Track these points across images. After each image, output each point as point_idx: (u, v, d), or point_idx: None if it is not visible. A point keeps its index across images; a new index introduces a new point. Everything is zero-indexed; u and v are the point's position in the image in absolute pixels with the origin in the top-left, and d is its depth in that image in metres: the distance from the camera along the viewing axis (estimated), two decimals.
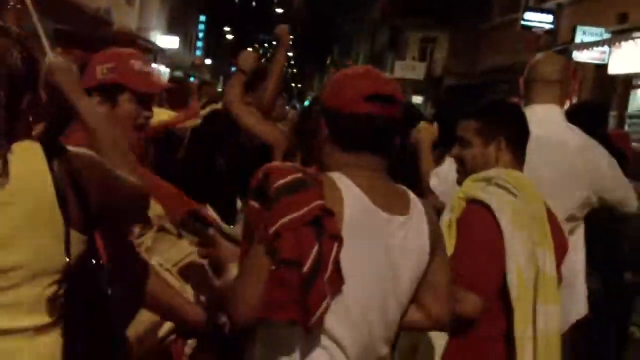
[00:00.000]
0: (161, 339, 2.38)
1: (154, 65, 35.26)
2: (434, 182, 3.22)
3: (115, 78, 2.42)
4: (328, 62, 67.35)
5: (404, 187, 1.96)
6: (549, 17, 17.63)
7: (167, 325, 2.36)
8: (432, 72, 31.48)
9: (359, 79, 1.89)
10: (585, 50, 14.62)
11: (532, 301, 2.23)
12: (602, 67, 14.69)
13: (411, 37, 34.23)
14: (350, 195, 1.81)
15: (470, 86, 23.23)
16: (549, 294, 2.26)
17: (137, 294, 2.09)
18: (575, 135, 3.12)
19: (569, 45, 15.26)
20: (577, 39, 14.99)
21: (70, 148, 1.82)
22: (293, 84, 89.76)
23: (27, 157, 1.74)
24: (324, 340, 1.79)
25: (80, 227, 1.79)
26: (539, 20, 17.73)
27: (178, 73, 38.77)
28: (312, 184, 1.75)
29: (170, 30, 36.42)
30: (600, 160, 3.09)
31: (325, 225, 1.71)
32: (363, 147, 1.87)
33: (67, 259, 1.77)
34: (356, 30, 49.67)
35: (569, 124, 3.17)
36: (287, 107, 7.05)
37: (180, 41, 36.87)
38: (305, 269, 1.69)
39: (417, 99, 31.87)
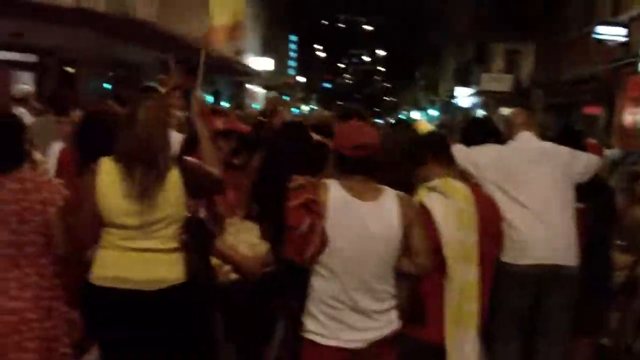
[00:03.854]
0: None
1: (249, 86, 37.13)
2: None
3: None
4: (417, 75, 68.03)
5: (381, 186, 3.35)
6: (623, 31, 17.92)
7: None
8: (519, 84, 31.84)
9: (350, 134, 3.32)
10: None
11: (456, 261, 3.56)
12: None
13: (496, 49, 34.72)
14: (334, 190, 3.24)
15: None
16: (469, 257, 3.58)
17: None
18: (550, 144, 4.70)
19: (637, 58, 15.75)
20: None
21: (183, 156, 3.67)
22: (385, 98, 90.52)
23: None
24: (324, 271, 3.27)
25: (192, 196, 3.55)
26: (611, 33, 17.96)
27: (273, 93, 40.52)
28: (307, 187, 3.19)
29: (264, 52, 37.99)
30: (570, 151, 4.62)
31: (312, 208, 3.14)
32: (350, 171, 3.31)
33: (187, 214, 3.56)
34: (443, 44, 50.20)
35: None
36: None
37: (274, 62, 38.44)
38: (300, 231, 3.16)
39: (504, 111, 32.20)
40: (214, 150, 3.88)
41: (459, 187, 3.70)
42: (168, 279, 3.47)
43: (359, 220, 3.25)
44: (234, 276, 4.24)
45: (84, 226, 3.49)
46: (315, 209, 3.22)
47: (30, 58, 16.94)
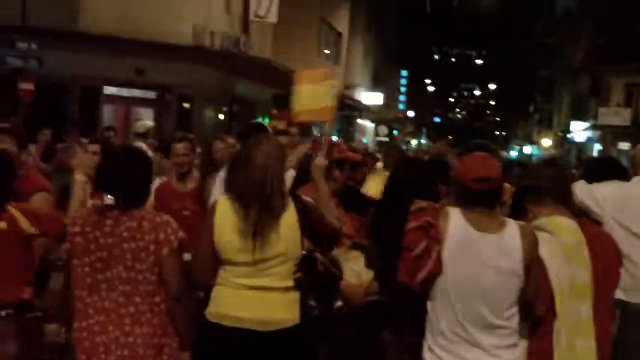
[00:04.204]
0: None
1: (359, 120, 37.40)
2: None
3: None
4: (531, 109, 66.62)
5: (505, 218, 3.27)
6: None
7: None
8: (639, 118, 30.68)
9: (474, 166, 3.23)
10: None
11: (566, 297, 3.38)
12: None
13: (614, 82, 33.62)
14: (455, 218, 3.17)
15: None
16: (581, 293, 3.41)
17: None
18: None
19: None
20: None
21: (302, 196, 3.61)
22: (497, 132, 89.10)
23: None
24: (440, 301, 3.18)
25: (307, 236, 3.52)
26: None
27: (382, 127, 40.68)
28: (428, 210, 3.16)
29: (374, 86, 38.19)
30: None
31: (430, 232, 3.09)
32: (472, 204, 3.21)
33: (302, 252, 3.50)
34: (557, 77, 49.06)
35: None
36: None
37: (384, 96, 38.55)
38: (415, 253, 3.11)
39: (623, 146, 31.10)
40: (333, 208, 3.85)
41: (565, 224, 3.55)
42: (282, 320, 3.45)
43: (479, 252, 3.15)
44: (338, 304, 4.22)
45: (201, 263, 3.56)
46: (432, 233, 3.15)
47: (150, 94, 17.67)
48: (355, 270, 4.18)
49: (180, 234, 3.50)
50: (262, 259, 3.43)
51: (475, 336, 3.15)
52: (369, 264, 4.34)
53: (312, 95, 5.31)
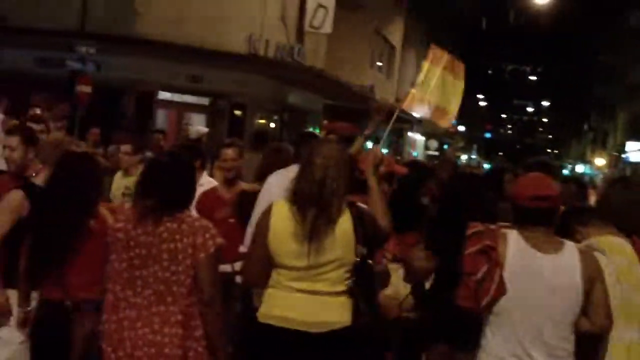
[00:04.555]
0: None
1: (409, 133, 37.27)
2: None
3: None
4: (585, 128, 65.44)
5: (562, 239, 3.24)
6: None
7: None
8: None
9: (529, 185, 3.23)
10: None
11: (618, 320, 3.30)
12: None
13: None
14: (514, 240, 3.16)
15: None
16: (632, 315, 3.36)
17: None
18: None
19: None
20: None
21: (357, 203, 3.56)
22: (549, 150, 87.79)
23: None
24: (499, 322, 3.17)
25: (361, 243, 3.48)
26: None
27: (433, 141, 40.48)
28: (486, 234, 3.13)
29: None
30: None
31: (490, 255, 3.06)
32: (529, 223, 3.20)
33: (356, 259, 3.45)
34: (614, 95, 48.12)
35: None
36: None
37: None
38: (477, 277, 3.08)
39: None
40: (385, 207, 3.78)
41: (617, 244, 3.52)
42: (333, 322, 3.44)
43: (539, 273, 3.14)
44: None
45: (254, 266, 3.58)
46: (493, 256, 3.14)
47: (203, 101, 17.87)
48: (394, 283, 4.16)
49: (219, 240, 3.53)
50: (316, 264, 3.42)
51: (534, 357, 3.13)
52: (407, 278, 4.31)
53: (442, 86, 5.00)
